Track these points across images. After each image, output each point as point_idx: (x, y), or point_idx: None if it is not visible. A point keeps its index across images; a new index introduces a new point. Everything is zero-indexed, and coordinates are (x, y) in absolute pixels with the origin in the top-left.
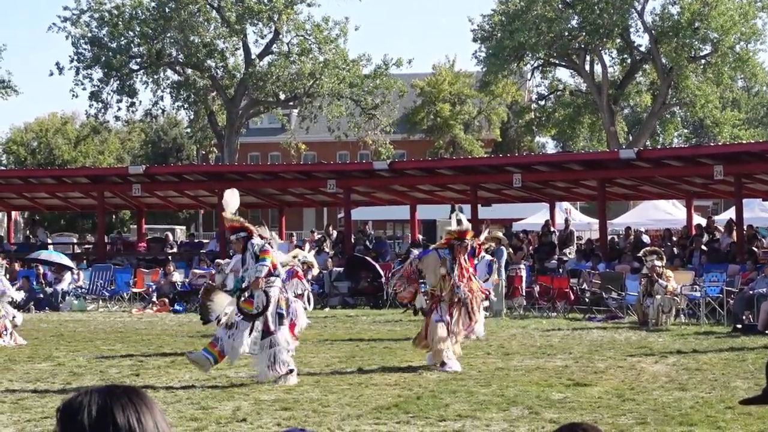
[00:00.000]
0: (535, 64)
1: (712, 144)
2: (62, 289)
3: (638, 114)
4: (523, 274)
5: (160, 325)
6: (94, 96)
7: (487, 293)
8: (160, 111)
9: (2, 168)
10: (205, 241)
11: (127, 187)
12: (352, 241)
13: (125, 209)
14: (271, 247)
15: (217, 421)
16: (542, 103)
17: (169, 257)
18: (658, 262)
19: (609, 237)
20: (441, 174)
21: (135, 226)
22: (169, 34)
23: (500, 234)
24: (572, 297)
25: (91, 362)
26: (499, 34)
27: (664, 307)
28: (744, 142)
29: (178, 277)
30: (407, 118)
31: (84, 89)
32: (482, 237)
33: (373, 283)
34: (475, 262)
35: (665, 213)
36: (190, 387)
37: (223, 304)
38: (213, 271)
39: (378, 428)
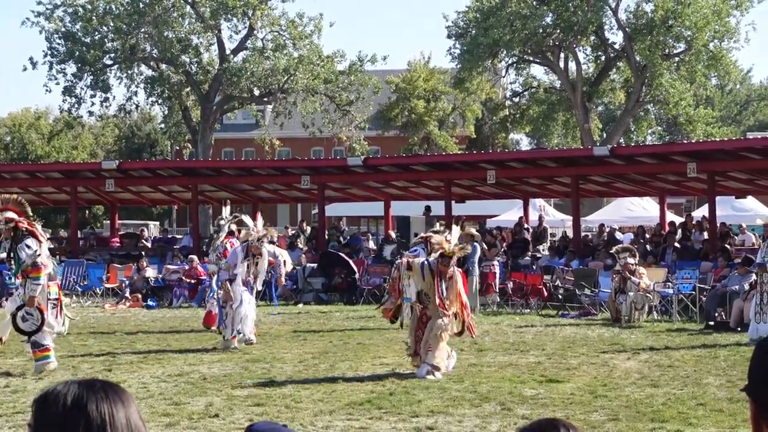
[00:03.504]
0: (510, 61)
1: (685, 141)
2: None
3: (612, 111)
4: (497, 270)
5: (133, 321)
6: (68, 91)
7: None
8: (134, 106)
9: None
10: (178, 236)
11: (101, 183)
12: (326, 237)
13: (98, 204)
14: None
15: (190, 417)
16: (516, 100)
17: (143, 253)
18: (630, 259)
19: (583, 234)
20: (415, 170)
21: (108, 222)
22: (143, 30)
23: (474, 230)
24: (545, 293)
25: (63, 357)
26: (473, 31)
27: (636, 303)
28: (717, 139)
29: (151, 272)
30: (382, 114)
31: (57, 84)
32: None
33: (347, 279)
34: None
35: (639, 210)
36: (163, 382)
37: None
38: (186, 267)
39: (351, 424)
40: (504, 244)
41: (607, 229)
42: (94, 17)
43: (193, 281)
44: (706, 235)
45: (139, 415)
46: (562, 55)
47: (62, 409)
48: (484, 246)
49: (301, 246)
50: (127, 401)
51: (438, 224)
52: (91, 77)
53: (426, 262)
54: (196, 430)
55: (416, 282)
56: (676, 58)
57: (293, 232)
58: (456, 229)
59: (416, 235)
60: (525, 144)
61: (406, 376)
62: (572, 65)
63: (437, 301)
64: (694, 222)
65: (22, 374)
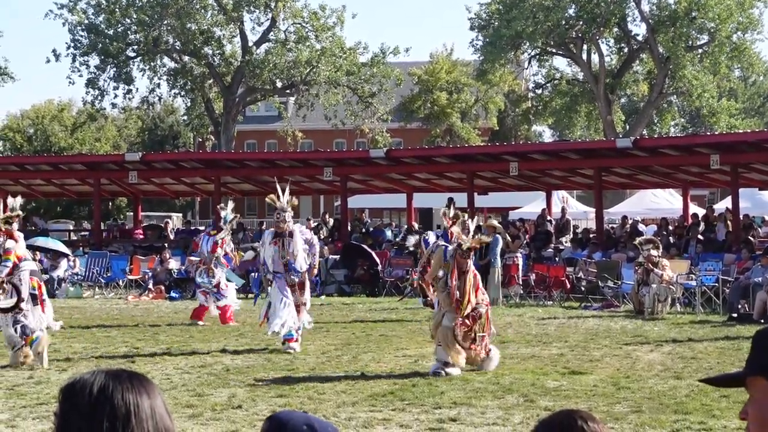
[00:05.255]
0: (533, 53)
1: (708, 133)
2: (58, 276)
3: (635, 103)
4: (520, 262)
5: (156, 312)
6: (91, 83)
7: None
8: (157, 98)
9: None
10: (201, 228)
11: (124, 174)
12: (349, 228)
13: (122, 196)
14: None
15: (213, 408)
16: (539, 91)
17: (166, 244)
18: (654, 251)
19: (605, 226)
20: (438, 162)
21: (131, 214)
22: (166, 22)
23: (496, 222)
24: (568, 285)
25: (86, 349)
26: (496, 23)
27: (659, 296)
28: (740, 131)
29: (174, 264)
30: (404, 106)
31: (81, 76)
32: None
33: (369, 271)
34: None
35: (662, 202)
36: (186, 373)
37: None
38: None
39: (373, 415)
40: (527, 236)
41: (630, 221)
42: (117, 9)
43: None
44: (729, 226)
45: (164, 405)
46: (584, 46)
47: (88, 398)
48: (508, 238)
49: (323, 238)
50: (153, 392)
51: (463, 215)
52: (114, 69)
53: (447, 249)
54: (219, 422)
55: (436, 265)
56: (700, 50)
57: (315, 224)
58: (475, 221)
59: (439, 227)
60: (548, 136)
61: (428, 367)
62: (595, 57)
63: (452, 295)
64: (715, 215)
65: (46, 365)
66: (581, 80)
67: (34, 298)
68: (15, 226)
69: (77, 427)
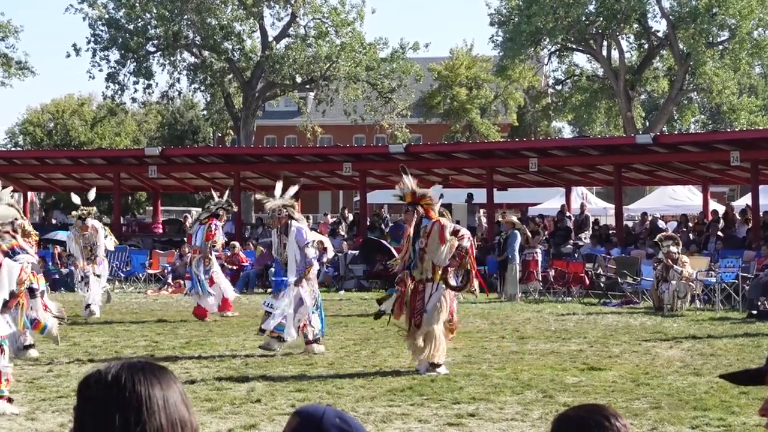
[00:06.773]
0: (552, 49)
1: (728, 130)
2: None
3: (655, 99)
4: (539, 258)
5: (175, 307)
6: (111, 78)
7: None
8: (177, 93)
9: (19, 149)
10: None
11: (144, 169)
12: (368, 224)
13: (141, 191)
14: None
15: (232, 402)
16: (559, 87)
17: (185, 239)
18: (673, 248)
19: (625, 222)
20: (457, 158)
21: (151, 208)
22: (186, 16)
23: (515, 218)
24: (587, 282)
25: (106, 343)
26: (516, 19)
27: (679, 292)
28: (761, 128)
29: None
30: (424, 102)
31: (101, 71)
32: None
33: (388, 266)
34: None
35: (682, 198)
36: (205, 368)
37: None
38: (228, 253)
39: (392, 410)
40: (546, 232)
41: (650, 218)
42: (137, 4)
43: (234, 267)
44: (749, 223)
45: (182, 397)
46: (605, 43)
47: (102, 390)
48: (527, 233)
49: (342, 233)
50: (167, 383)
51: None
52: (134, 64)
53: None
54: (237, 415)
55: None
56: (720, 47)
57: (334, 219)
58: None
59: (458, 222)
60: (567, 132)
61: (447, 362)
62: (615, 53)
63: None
64: (735, 212)
65: (66, 359)
66: (601, 76)
67: (32, 292)
68: (89, 221)
69: (92, 419)
